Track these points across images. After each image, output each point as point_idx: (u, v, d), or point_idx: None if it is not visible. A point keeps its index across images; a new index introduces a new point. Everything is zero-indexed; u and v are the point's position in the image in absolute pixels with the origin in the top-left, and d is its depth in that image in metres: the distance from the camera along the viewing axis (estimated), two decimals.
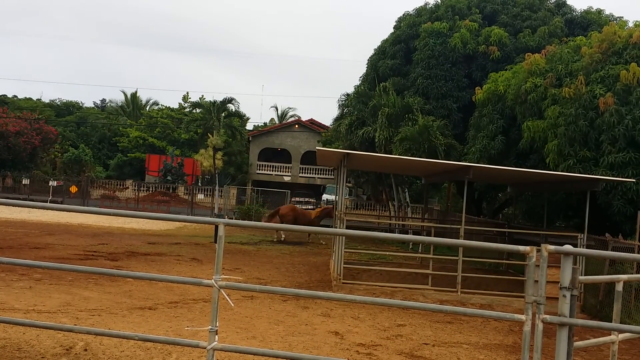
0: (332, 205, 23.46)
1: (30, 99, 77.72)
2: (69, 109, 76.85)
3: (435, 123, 24.87)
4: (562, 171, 15.93)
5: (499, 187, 26.78)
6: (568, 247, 4.09)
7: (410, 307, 5.97)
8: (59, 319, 8.67)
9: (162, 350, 7.30)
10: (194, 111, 59.92)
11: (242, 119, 58.16)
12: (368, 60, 32.47)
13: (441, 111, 26.69)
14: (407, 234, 28.33)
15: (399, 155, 22.50)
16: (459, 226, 15.20)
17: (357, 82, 33.46)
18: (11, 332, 7.55)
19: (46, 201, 38.96)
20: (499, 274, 17.27)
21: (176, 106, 69.70)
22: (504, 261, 18.37)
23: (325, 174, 56.52)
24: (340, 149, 27.37)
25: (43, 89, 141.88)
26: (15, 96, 78.32)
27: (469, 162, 19.36)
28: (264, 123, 72.66)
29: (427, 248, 19.91)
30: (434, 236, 19.74)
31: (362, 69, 34.55)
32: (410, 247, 24.94)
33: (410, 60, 28.85)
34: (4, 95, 75.93)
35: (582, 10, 28.54)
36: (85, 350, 7.11)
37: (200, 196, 49.29)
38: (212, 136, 48.34)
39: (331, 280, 14.65)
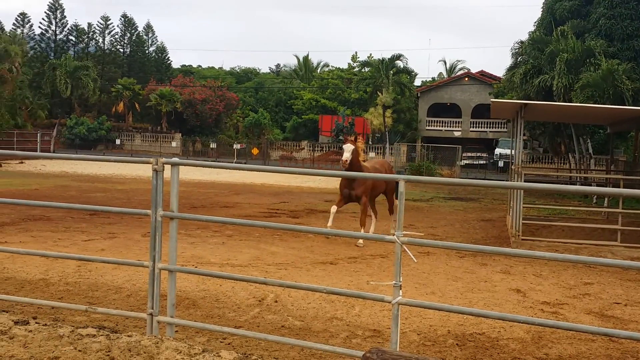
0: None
1: (212, 67, 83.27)
2: (248, 75, 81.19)
3: (620, 67, 22.93)
4: None
5: None
6: None
7: (600, 264, 5.67)
8: (250, 272, 9.35)
9: (345, 303, 7.64)
10: (362, 70, 60.35)
11: (411, 75, 57.60)
12: (543, 3, 30.57)
13: (627, 53, 24.54)
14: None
15: (579, 103, 21.10)
16: None
17: (532, 28, 31.72)
18: (209, 284, 8.27)
19: (231, 163, 41.84)
20: None
21: (345, 66, 70.67)
22: None
23: (498, 127, 54.45)
24: (514, 99, 26.22)
25: (224, 58, 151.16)
26: (199, 66, 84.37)
27: None
28: (432, 78, 71.37)
29: (613, 202, 18.57)
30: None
31: (537, 13, 32.68)
32: (595, 201, 23.44)
33: (591, 0, 26.67)
34: (190, 66, 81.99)
35: None
36: (276, 301, 7.63)
37: (372, 154, 49.97)
38: (382, 94, 48.49)
39: (509, 237, 14.27)
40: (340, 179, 13.43)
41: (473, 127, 56.44)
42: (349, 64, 70.20)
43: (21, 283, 7.99)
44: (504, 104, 17.57)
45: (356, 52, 73.71)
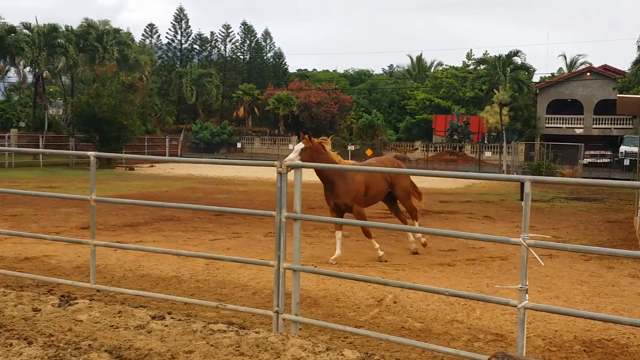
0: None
1: (327, 71, 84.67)
2: (361, 77, 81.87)
3: None
4: None
5: None
6: None
7: None
8: (368, 272, 9.46)
9: (465, 305, 7.57)
10: (478, 68, 59.07)
11: (529, 71, 55.70)
12: None
13: None
14: None
15: None
16: None
17: None
18: (329, 284, 8.45)
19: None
20: None
21: (460, 64, 69.40)
22: None
23: (623, 124, 51.32)
24: None
25: (338, 61, 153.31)
26: (314, 69, 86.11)
27: None
28: (551, 74, 68.43)
29: None
30: None
31: None
32: None
33: None
34: (305, 70, 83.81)
35: None
36: (395, 302, 7.70)
37: (488, 154, 48.84)
38: (498, 92, 47.17)
39: (637, 239, 13.52)
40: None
41: (596, 123, 53.57)
42: (463, 61, 68.93)
43: (156, 280, 8.56)
44: (631, 100, 16.66)
45: (471, 50, 72.08)
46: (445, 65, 73.01)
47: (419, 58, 74.75)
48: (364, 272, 9.53)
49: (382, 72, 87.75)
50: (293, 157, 10.25)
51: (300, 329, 6.06)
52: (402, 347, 6.00)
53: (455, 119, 55.92)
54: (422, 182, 30.06)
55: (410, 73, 75.31)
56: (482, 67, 56.67)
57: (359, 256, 10.89)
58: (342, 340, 6.21)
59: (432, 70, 74.57)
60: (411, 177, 12.13)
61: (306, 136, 10.62)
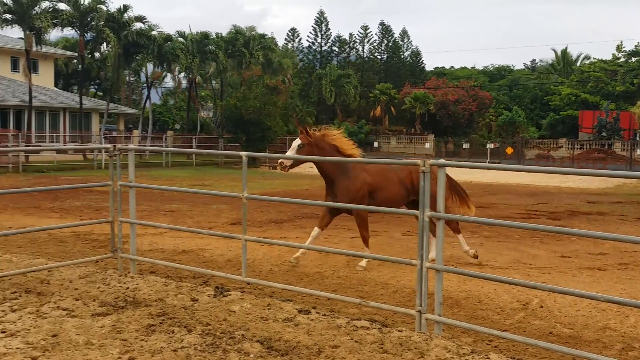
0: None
1: (465, 67, 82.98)
2: (501, 73, 79.51)
3: None
4: None
5: None
6: None
7: None
8: (511, 274, 9.18)
9: (618, 312, 7.17)
10: (629, 61, 55.22)
11: None
12: None
13: None
14: None
15: None
16: None
17: None
18: (470, 285, 8.30)
19: (484, 163, 41.25)
20: None
21: (609, 57, 65.16)
22: None
23: None
24: None
25: (476, 57, 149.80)
26: (452, 67, 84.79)
27: None
28: None
29: None
30: None
31: None
32: None
33: None
34: (442, 67, 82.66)
35: None
36: (541, 306, 7.44)
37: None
38: None
39: None
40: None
41: None
42: (613, 54, 64.67)
43: (300, 275, 8.87)
44: None
45: (621, 42, 67.14)
46: (593, 58, 68.99)
47: (564, 51, 71.19)
48: (507, 274, 9.27)
49: (523, 67, 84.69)
50: (289, 154, 9.29)
51: (442, 329, 6.05)
52: (551, 354, 5.80)
53: (603, 114, 52.63)
54: (567, 181, 28.77)
55: (554, 67, 71.98)
56: (634, 59, 52.95)
57: (502, 258, 10.62)
58: (487, 344, 6.10)
59: (578, 64, 70.74)
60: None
61: (303, 130, 9.36)
